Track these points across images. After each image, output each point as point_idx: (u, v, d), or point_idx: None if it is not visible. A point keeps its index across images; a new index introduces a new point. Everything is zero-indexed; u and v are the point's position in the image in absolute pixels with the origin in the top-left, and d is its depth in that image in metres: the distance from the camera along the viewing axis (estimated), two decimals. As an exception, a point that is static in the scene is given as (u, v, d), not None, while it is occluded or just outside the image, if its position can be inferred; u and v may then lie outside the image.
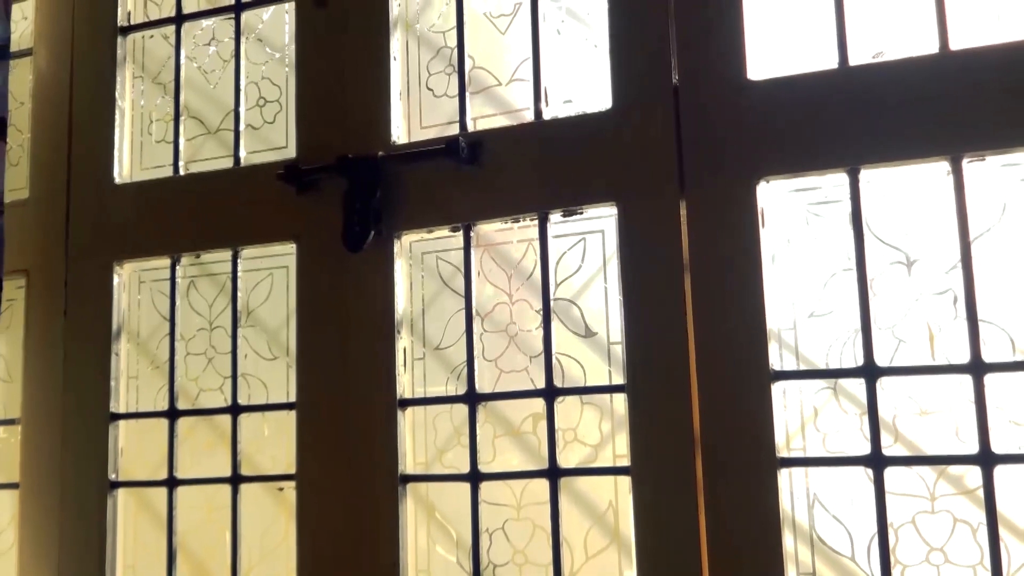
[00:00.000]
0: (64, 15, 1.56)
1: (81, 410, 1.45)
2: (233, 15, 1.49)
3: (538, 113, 1.28)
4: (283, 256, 1.41)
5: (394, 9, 1.37)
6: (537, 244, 1.27)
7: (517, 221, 1.28)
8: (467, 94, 1.33)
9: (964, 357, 1.06)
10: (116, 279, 1.48)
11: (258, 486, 1.39)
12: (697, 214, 1.17)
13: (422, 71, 1.38)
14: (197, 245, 1.44)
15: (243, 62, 1.48)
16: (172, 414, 1.43)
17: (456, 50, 1.34)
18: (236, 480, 1.38)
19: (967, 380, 1.06)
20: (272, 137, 1.46)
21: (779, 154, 1.14)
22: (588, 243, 1.27)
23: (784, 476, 1.12)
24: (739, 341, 1.12)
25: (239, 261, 1.42)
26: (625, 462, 1.19)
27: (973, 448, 1.05)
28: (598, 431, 1.24)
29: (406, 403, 1.29)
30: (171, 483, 1.41)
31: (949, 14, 1.11)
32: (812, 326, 1.15)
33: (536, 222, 1.27)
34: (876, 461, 1.08)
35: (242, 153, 1.45)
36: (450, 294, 1.33)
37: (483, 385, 1.28)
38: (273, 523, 1.40)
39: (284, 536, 1.38)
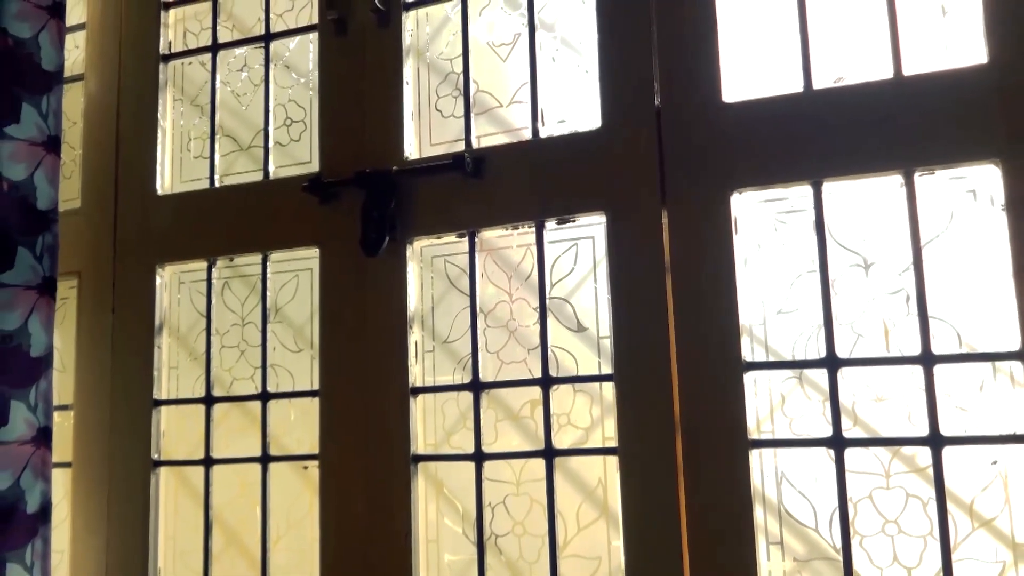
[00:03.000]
0: (112, 44, 1.56)
1: (127, 397, 1.46)
2: (263, 44, 1.49)
3: (535, 132, 1.28)
4: (308, 259, 1.42)
5: (407, 39, 1.37)
6: (534, 249, 1.27)
7: (516, 228, 1.28)
8: (472, 115, 1.33)
9: (916, 350, 1.06)
10: (158, 280, 1.48)
11: (285, 465, 1.39)
12: (677, 222, 1.17)
13: (432, 94, 1.38)
14: (231, 249, 1.44)
15: (272, 86, 1.48)
16: (208, 400, 1.43)
17: (462, 75, 1.34)
18: (265, 460, 1.38)
19: (918, 370, 1.06)
20: (298, 153, 1.46)
21: (751, 168, 1.14)
22: (580, 248, 1.27)
23: (755, 456, 1.12)
24: (715, 335, 1.13)
25: (268, 264, 1.42)
26: (613, 443, 1.19)
27: (924, 431, 1.05)
28: (589, 416, 1.24)
29: (417, 391, 1.30)
30: (207, 462, 1.42)
31: (902, 43, 1.11)
32: (780, 322, 1.15)
33: (533, 229, 1.27)
34: (837, 443, 1.08)
35: (271, 168, 1.45)
36: (457, 293, 1.33)
37: (486, 375, 1.29)
38: (299, 498, 1.40)
39: (308, 509, 1.39)
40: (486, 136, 1.34)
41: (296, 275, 1.44)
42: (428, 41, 1.40)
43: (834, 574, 1.09)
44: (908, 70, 1.10)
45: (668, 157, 1.18)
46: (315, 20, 1.45)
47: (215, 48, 1.52)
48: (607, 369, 1.23)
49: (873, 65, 1.14)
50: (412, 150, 1.35)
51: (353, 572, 1.27)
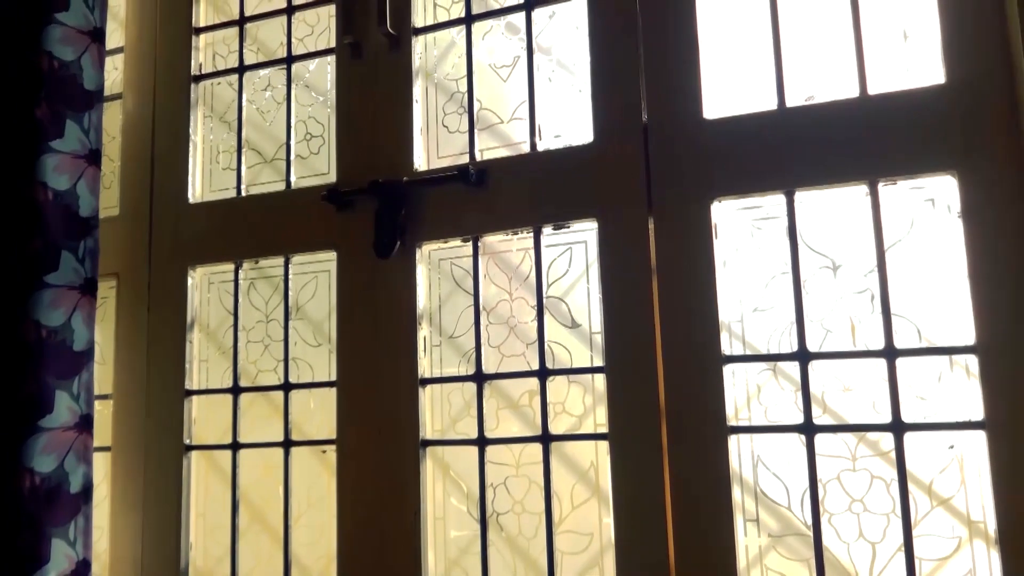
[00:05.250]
0: (148, 66, 1.57)
1: (161, 387, 1.46)
2: (285, 66, 1.49)
3: (533, 146, 1.28)
4: (326, 262, 1.42)
5: (416, 61, 1.37)
6: (532, 252, 1.27)
7: (516, 233, 1.28)
8: (475, 130, 1.33)
9: (879, 344, 1.06)
10: (190, 280, 1.48)
11: (305, 449, 1.40)
12: (662, 228, 1.17)
13: (439, 111, 1.38)
14: (256, 253, 1.44)
15: (293, 104, 1.48)
16: (235, 391, 1.43)
17: (466, 94, 1.34)
18: (287, 444, 1.38)
19: (882, 363, 1.06)
20: (317, 165, 1.47)
21: (729, 179, 1.14)
22: (574, 251, 1.27)
23: (733, 441, 1.12)
24: (696, 331, 1.13)
25: (290, 266, 1.43)
26: (604, 430, 1.19)
27: (887, 418, 1.05)
28: (582, 404, 1.25)
29: (426, 381, 1.30)
30: (235, 447, 1.42)
31: (868, 64, 1.11)
32: (756, 319, 1.15)
33: (531, 234, 1.27)
34: (808, 429, 1.08)
35: (292, 178, 1.45)
36: (462, 293, 1.33)
37: (488, 367, 1.29)
38: (318, 479, 1.40)
39: (327, 490, 1.39)
40: (488, 150, 1.34)
41: (315, 276, 1.44)
42: (436, 63, 1.40)
43: (805, 549, 1.09)
44: (873, 89, 1.10)
45: (654, 169, 1.18)
46: (333, 44, 1.45)
47: (242, 69, 1.52)
48: (599, 362, 1.23)
49: (841, 85, 1.14)
50: (421, 162, 1.35)
51: (367, 547, 1.28)
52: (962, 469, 1.04)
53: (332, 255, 1.39)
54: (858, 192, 1.10)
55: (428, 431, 1.29)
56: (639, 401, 1.15)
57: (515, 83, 1.35)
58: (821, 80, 1.15)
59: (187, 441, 1.44)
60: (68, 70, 1.30)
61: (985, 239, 1.02)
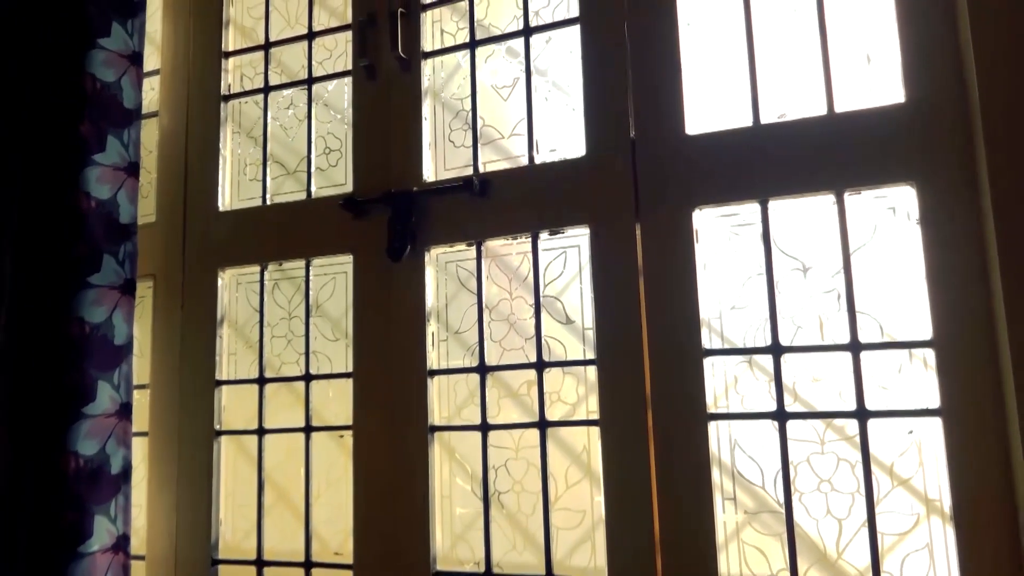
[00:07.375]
0: (181, 86, 1.58)
1: (194, 378, 1.47)
2: (306, 86, 1.50)
3: (531, 159, 1.29)
4: (343, 264, 1.43)
5: (425, 82, 1.38)
6: (530, 255, 1.28)
7: (515, 238, 1.29)
8: (479, 145, 1.34)
9: (845, 339, 1.07)
10: (220, 281, 1.49)
11: (325, 434, 1.40)
12: (648, 234, 1.17)
13: (446, 128, 1.39)
14: (279, 256, 1.45)
15: (313, 121, 1.49)
16: (261, 381, 1.44)
17: (470, 112, 1.35)
18: (308, 430, 1.39)
19: (847, 356, 1.07)
20: (335, 177, 1.47)
21: (709, 189, 1.15)
22: (568, 255, 1.28)
23: (713, 427, 1.12)
24: (679, 327, 1.13)
25: (311, 268, 1.43)
26: (595, 416, 1.20)
27: (852, 406, 1.06)
28: (575, 393, 1.25)
29: (433, 373, 1.30)
30: (260, 432, 1.43)
31: (834, 85, 1.12)
32: (733, 316, 1.16)
33: (530, 239, 1.28)
34: (780, 416, 1.09)
35: (313, 188, 1.46)
36: (466, 292, 1.33)
37: (490, 360, 1.29)
38: (336, 462, 1.41)
39: (344, 471, 1.39)
40: (490, 162, 1.34)
41: (333, 277, 1.45)
42: (443, 84, 1.41)
43: (778, 525, 1.10)
44: (839, 107, 1.10)
45: (641, 180, 1.19)
46: (349, 67, 1.46)
47: (267, 90, 1.53)
48: (590, 355, 1.23)
49: (810, 103, 1.14)
50: (429, 174, 1.36)
51: (380, 523, 1.28)
52: (920, 452, 1.05)
53: (349, 258, 1.39)
54: (826, 201, 1.11)
55: (436, 418, 1.30)
56: (627, 390, 1.15)
57: (515, 102, 1.36)
58: (792, 99, 1.16)
59: (217, 427, 1.45)
60: (109, 90, 1.31)
61: (941, 243, 1.03)
